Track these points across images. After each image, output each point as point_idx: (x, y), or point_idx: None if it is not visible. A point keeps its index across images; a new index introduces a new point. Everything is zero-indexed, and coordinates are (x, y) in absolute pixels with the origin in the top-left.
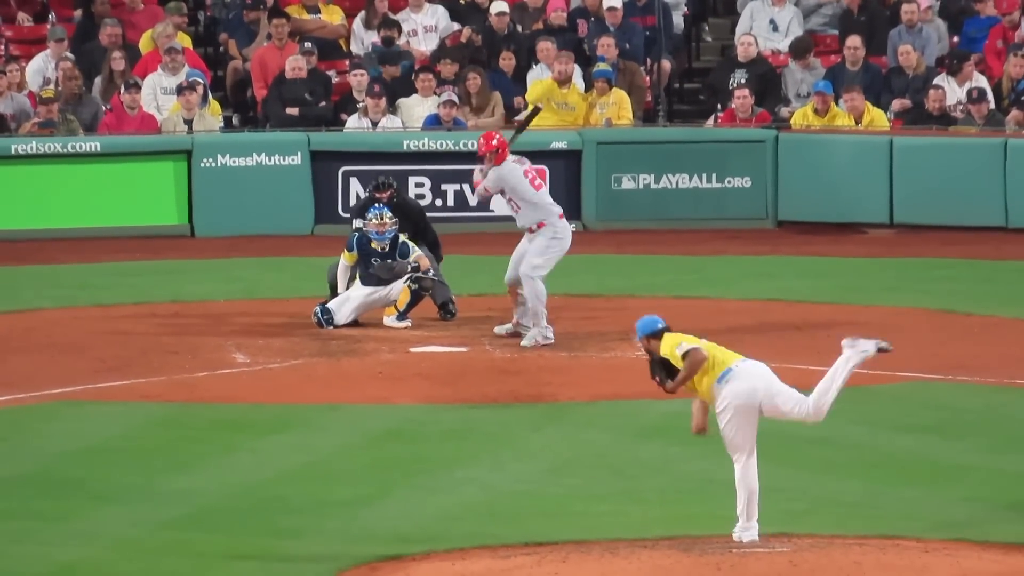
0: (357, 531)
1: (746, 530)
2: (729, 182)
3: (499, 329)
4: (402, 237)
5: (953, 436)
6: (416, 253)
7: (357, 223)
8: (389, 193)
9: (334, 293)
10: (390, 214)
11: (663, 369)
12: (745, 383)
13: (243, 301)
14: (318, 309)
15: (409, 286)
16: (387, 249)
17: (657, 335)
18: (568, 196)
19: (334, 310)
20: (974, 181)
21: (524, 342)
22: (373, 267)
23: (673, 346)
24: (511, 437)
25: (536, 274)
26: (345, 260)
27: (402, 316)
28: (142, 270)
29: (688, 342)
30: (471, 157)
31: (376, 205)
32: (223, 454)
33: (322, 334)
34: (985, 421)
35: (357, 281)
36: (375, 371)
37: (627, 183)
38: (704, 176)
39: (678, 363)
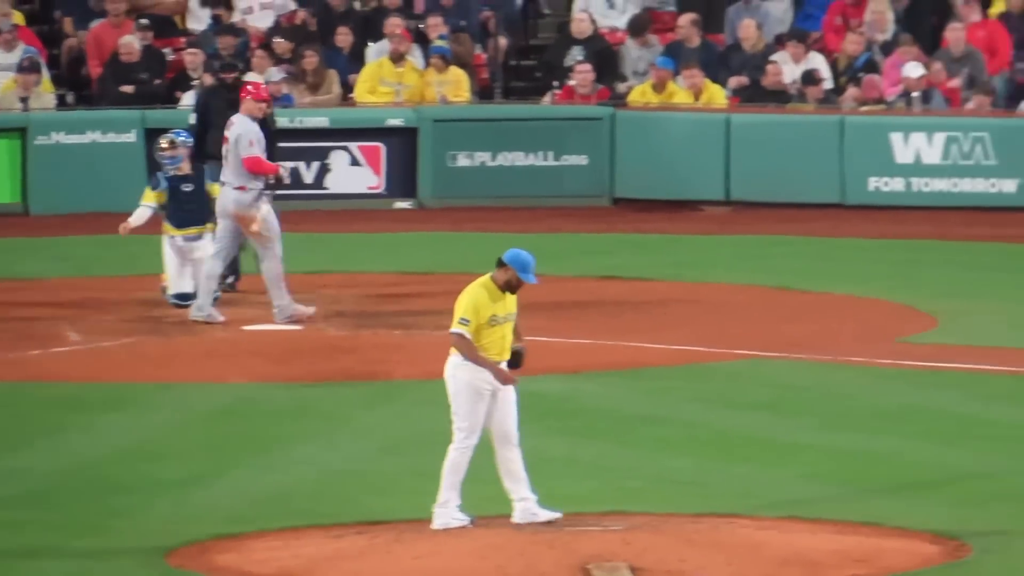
0: (189, 510)
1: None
2: (566, 159)
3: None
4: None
5: (787, 414)
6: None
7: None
8: (235, 75)
9: None
10: (182, 137)
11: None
12: None
13: (77, 279)
14: (173, 300)
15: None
16: (187, 173)
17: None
18: (404, 173)
19: (180, 288)
20: (811, 158)
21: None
22: (182, 196)
23: (465, 305)
24: (345, 416)
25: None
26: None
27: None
28: None
29: (470, 315)
30: (299, 134)
31: (175, 131)
32: (55, 433)
33: (155, 312)
34: (819, 399)
35: (167, 246)
36: (208, 349)
37: (463, 160)
38: (541, 153)
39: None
